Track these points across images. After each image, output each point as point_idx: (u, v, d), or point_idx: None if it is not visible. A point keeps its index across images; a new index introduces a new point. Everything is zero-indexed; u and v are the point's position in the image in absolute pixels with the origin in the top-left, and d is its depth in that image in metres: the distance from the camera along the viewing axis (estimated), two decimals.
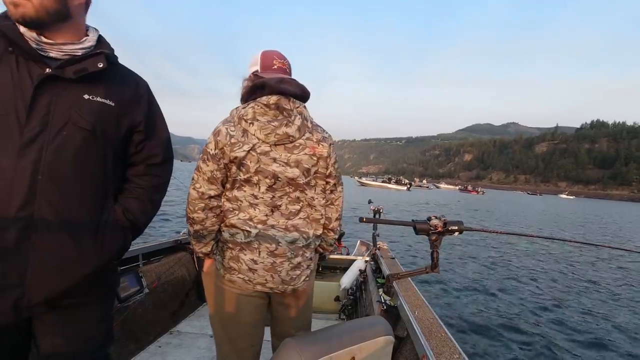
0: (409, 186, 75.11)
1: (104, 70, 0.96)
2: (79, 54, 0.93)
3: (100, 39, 1.01)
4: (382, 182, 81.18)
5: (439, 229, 1.54)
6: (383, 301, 2.00)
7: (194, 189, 1.19)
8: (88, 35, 0.99)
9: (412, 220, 1.59)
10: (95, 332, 1.05)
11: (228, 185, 1.21)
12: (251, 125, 1.17)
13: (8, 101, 0.83)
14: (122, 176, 1.10)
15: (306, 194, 1.28)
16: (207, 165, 1.17)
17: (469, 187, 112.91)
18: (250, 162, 1.17)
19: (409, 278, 2.11)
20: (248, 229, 1.18)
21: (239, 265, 1.20)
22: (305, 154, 1.23)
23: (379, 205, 3.07)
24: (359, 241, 4.00)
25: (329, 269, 3.46)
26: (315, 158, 1.25)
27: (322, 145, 1.28)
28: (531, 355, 3.97)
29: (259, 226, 1.19)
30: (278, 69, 1.28)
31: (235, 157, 1.15)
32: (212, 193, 1.19)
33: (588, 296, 6.41)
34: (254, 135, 1.17)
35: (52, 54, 0.90)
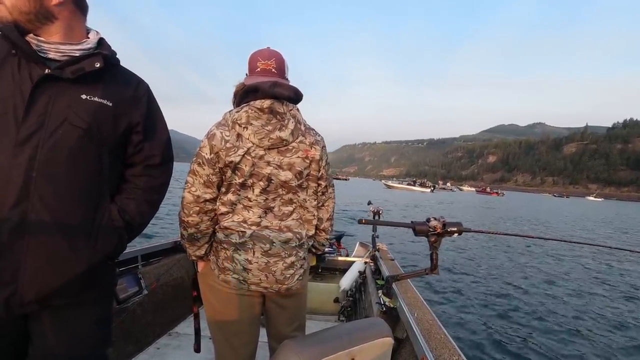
0: (432, 188, 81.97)
1: (103, 71, 0.97)
2: (77, 54, 0.96)
3: (102, 41, 1.03)
4: (407, 184, 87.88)
5: (438, 230, 1.52)
6: (382, 303, 1.96)
7: (189, 192, 1.18)
8: (89, 37, 1.01)
9: (411, 221, 1.59)
10: (91, 333, 1.04)
11: (223, 189, 1.21)
12: (245, 129, 1.17)
13: (7, 100, 0.86)
14: (121, 177, 1.11)
15: (299, 196, 1.29)
16: (203, 169, 1.17)
17: (487, 189, 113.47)
18: (245, 165, 1.18)
19: (409, 279, 2.09)
20: (242, 230, 1.19)
21: (233, 266, 1.21)
22: (298, 157, 1.25)
23: (378, 207, 3.08)
24: (358, 242, 3.98)
25: (328, 270, 3.44)
26: (307, 161, 1.27)
27: (315, 148, 1.29)
28: (531, 357, 3.96)
29: (253, 227, 1.20)
30: (262, 71, 1.26)
31: (231, 162, 1.16)
32: (208, 196, 1.19)
33: (590, 298, 6.35)
34: (248, 139, 1.17)
35: (51, 55, 0.93)
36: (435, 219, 1.60)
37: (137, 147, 1.09)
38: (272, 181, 1.22)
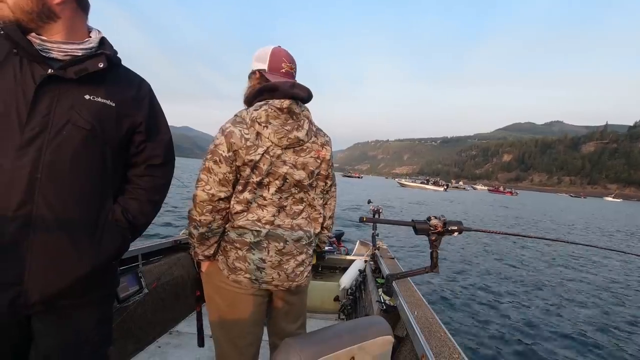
0: (445, 187, 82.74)
1: (106, 71, 0.97)
2: (80, 54, 0.95)
3: (103, 41, 1.02)
4: (421, 183, 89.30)
5: (439, 229, 1.51)
6: (382, 301, 1.98)
7: (202, 190, 1.16)
8: (90, 37, 1.00)
9: (412, 220, 1.58)
10: (93, 333, 1.05)
11: (240, 187, 1.20)
12: (265, 128, 1.17)
13: (10, 101, 0.85)
14: (124, 177, 1.11)
15: (309, 195, 1.33)
16: (220, 167, 1.15)
17: (501, 188, 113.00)
18: (264, 164, 1.18)
19: (409, 278, 2.09)
20: (258, 229, 1.20)
21: (246, 265, 1.20)
22: (311, 157, 1.28)
23: (378, 205, 3.08)
24: (358, 241, 3.96)
25: (328, 269, 3.44)
26: (319, 161, 1.30)
27: (326, 148, 1.33)
28: (530, 355, 3.98)
29: (267, 226, 1.21)
30: (286, 73, 1.29)
31: (251, 160, 1.16)
32: (223, 195, 1.18)
33: (591, 298, 6.33)
34: (267, 138, 1.18)
35: (54, 55, 0.92)
36: (436, 217, 1.58)
37: (140, 147, 1.09)
38: (287, 180, 1.23)
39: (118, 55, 1.06)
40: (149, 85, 1.14)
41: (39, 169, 0.87)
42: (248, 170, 1.17)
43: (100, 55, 0.97)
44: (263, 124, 1.17)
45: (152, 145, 1.11)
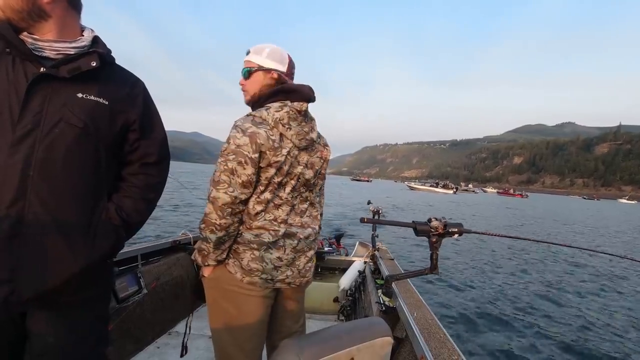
0: (455, 190, 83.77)
1: (99, 69, 0.97)
2: (72, 52, 0.95)
3: (96, 39, 1.03)
4: (430, 186, 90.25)
5: (439, 231, 1.51)
6: (382, 302, 1.98)
7: (225, 193, 1.14)
8: (83, 35, 1.01)
9: (413, 221, 1.58)
10: (89, 332, 1.05)
11: (261, 188, 1.20)
12: (288, 129, 1.19)
13: (2, 100, 0.86)
14: (118, 175, 1.11)
15: (312, 194, 1.37)
16: (245, 169, 1.13)
17: (510, 191, 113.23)
18: (286, 165, 1.21)
19: (408, 279, 2.09)
20: (276, 228, 1.21)
21: (263, 265, 1.20)
22: (317, 157, 1.33)
23: (378, 206, 3.08)
24: (358, 242, 3.97)
25: (327, 269, 3.44)
26: (322, 160, 1.36)
27: (327, 148, 1.40)
28: (529, 356, 3.98)
29: (282, 225, 1.23)
30: (292, 78, 1.36)
31: (277, 162, 1.17)
32: (244, 197, 1.17)
33: (589, 300, 6.32)
34: (289, 140, 1.20)
35: (46, 53, 0.93)
36: (436, 219, 1.57)
37: (134, 145, 1.09)
38: (299, 180, 1.27)
39: (112, 54, 1.06)
40: (144, 84, 1.14)
41: (31, 166, 0.87)
42: (272, 171, 1.18)
43: (93, 54, 0.97)
44: (286, 126, 1.20)
45: (147, 143, 1.11)
